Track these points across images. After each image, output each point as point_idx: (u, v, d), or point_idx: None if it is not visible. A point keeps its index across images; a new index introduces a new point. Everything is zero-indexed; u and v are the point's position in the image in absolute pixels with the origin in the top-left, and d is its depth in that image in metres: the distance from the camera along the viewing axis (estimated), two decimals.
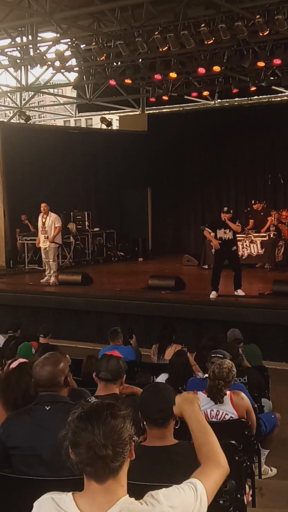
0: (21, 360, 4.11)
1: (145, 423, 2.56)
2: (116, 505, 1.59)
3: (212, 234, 9.49)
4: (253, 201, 13.86)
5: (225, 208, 9.63)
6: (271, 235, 12.73)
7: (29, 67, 13.46)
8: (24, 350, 5.48)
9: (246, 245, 12.57)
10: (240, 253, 11.45)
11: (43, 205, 11.77)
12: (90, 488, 1.62)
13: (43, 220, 11.68)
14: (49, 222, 11.60)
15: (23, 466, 2.65)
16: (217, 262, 9.65)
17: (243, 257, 12.13)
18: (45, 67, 12.70)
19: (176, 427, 2.63)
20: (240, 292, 9.52)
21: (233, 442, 3.18)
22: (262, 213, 13.41)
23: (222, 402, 3.60)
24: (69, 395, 2.98)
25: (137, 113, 17.69)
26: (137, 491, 1.68)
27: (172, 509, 1.64)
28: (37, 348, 5.35)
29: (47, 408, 2.71)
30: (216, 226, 9.52)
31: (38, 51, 11.71)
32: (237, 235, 10.03)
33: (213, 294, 9.46)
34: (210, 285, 9.55)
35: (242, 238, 12.31)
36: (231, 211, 9.66)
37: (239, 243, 11.66)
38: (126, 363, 3.58)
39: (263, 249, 12.46)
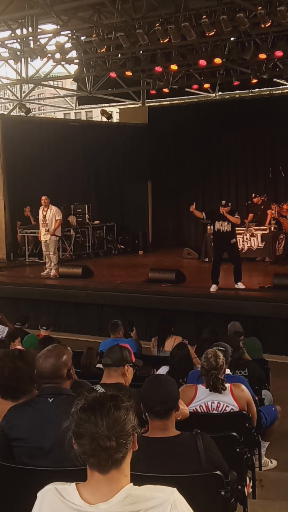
0: (19, 347, 4.17)
1: (147, 414, 2.57)
2: (121, 492, 1.61)
3: (210, 227, 9.47)
4: (253, 194, 13.84)
5: (223, 202, 9.61)
6: (272, 229, 12.72)
7: (29, 59, 13.40)
8: (29, 342, 5.51)
9: (247, 239, 12.56)
10: (240, 247, 11.44)
11: (43, 198, 11.76)
12: (93, 478, 1.63)
13: (44, 213, 11.67)
14: (49, 215, 11.59)
15: (25, 458, 2.66)
16: (216, 255, 9.65)
17: (243, 251, 12.13)
18: (45, 59, 12.66)
19: (178, 419, 2.65)
20: (240, 285, 9.53)
21: (234, 434, 3.18)
22: (262, 207, 13.39)
23: (225, 389, 3.61)
24: (71, 387, 3.00)
25: (138, 105, 17.61)
26: (139, 482, 1.69)
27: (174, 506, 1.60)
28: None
29: (50, 400, 2.72)
30: (215, 217, 9.52)
31: (38, 43, 11.65)
32: (237, 228, 10.01)
33: (213, 287, 9.47)
34: (210, 278, 9.57)
35: (243, 232, 12.29)
36: (230, 204, 9.63)
37: (239, 237, 11.66)
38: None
39: (264, 243, 12.45)
